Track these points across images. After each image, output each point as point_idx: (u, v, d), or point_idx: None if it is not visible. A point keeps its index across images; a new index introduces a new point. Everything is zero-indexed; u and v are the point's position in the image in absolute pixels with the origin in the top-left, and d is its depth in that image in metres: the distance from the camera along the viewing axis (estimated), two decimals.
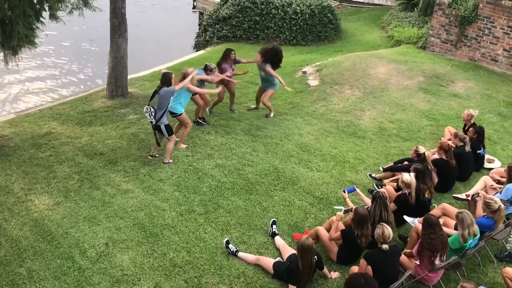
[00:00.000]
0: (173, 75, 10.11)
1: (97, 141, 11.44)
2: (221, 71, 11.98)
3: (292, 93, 14.16)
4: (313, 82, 14.76)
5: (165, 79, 9.99)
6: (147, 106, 10.09)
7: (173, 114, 10.65)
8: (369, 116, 12.76)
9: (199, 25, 21.67)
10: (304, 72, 15.49)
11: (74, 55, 19.64)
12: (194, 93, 11.18)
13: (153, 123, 10.08)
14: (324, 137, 11.70)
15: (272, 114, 12.70)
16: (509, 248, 8.23)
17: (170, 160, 10.47)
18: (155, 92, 10.12)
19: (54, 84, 17.36)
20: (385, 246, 6.73)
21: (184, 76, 10.49)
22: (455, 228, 7.73)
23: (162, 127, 10.13)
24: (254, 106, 13.31)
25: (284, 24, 19.74)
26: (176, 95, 10.32)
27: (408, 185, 8.37)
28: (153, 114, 9.99)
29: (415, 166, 8.72)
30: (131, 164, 10.44)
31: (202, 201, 9.27)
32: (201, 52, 19.29)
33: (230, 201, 9.29)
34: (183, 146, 11.06)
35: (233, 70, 12.29)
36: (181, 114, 10.72)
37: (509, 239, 8.30)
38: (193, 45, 21.41)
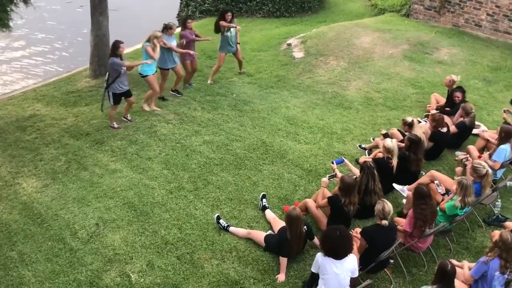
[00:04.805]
0: (121, 44, 10.21)
1: (82, 122, 11.35)
2: (181, 38, 11.88)
3: (277, 66, 14.10)
4: (298, 54, 14.67)
5: (111, 48, 10.32)
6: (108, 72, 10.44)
7: (140, 75, 11.05)
8: (355, 87, 12.75)
9: None
10: (289, 45, 15.38)
11: (55, 34, 19.35)
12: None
13: (104, 87, 10.52)
14: (311, 109, 11.70)
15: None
16: (497, 212, 8.35)
17: (115, 124, 10.85)
18: None
19: (36, 65, 17.11)
20: (384, 222, 6.70)
21: (149, 39, 10.76)
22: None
23: (110, 94, 10.48)
24: (243, 70, 13.69)
25: None
26: (145, 57, 10.72)
27: (389, 151, 8.39)
28: (105, 79, 10.43)
29: (409, 136, 8.72)
30: (118, 143, 10.38)
31: (191, 178, 9.27)
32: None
33: (220, 176, 9.30)
34: (146, 107, 11.56)
35: (195, 37, 12.16)
36: (147, 75, 10.96)
37: (496, 203, 8.42)
38: (176, 20, 21.13)
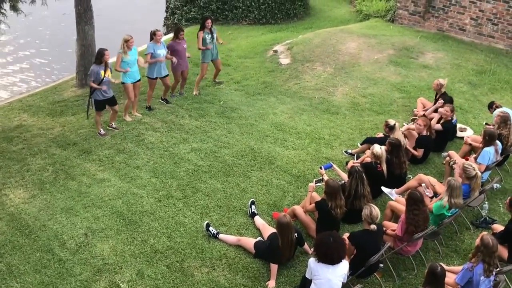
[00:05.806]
0: (106, 52, 10.23)
1: (69, 131, 11.29)
2: (168, 47, 11.77)
3: (264, 73, 14.14)
4: (285, 60, 14.73)
5: (96, 56, 10.38)
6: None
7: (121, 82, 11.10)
8: (341, 92, 12.81)
9: (167, 7, 21.30)
10: (275, 51, 15.44)
11: (41, 43, 19.25)
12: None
13: (89, 94, 10.59)
14: (298, 115, 11.73)
15: None
16: (484, 214, 8.41)
17: (101, 130, 10.90)
18: None
19: (22, 75, 17.00)
20: (373, 227, 6.72)
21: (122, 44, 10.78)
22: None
23: (92, 101, 10.55)
24: (218, 80, 13.61)
25: (253, 3, 19.55)
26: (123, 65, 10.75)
27: (377, 157, 8.45)
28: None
29: (389, 140, 8.79)
30: (106, 152, 10.34)
31: (180, 186, 9.25)
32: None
33: (208, 184, 9.29)
34: (128, 118, 11.56)
35: (185, 48, 12.05)
36: (123, 83, 11.05)
37: (484, 205, 8.49)
38: (162, 29, 21.10)
